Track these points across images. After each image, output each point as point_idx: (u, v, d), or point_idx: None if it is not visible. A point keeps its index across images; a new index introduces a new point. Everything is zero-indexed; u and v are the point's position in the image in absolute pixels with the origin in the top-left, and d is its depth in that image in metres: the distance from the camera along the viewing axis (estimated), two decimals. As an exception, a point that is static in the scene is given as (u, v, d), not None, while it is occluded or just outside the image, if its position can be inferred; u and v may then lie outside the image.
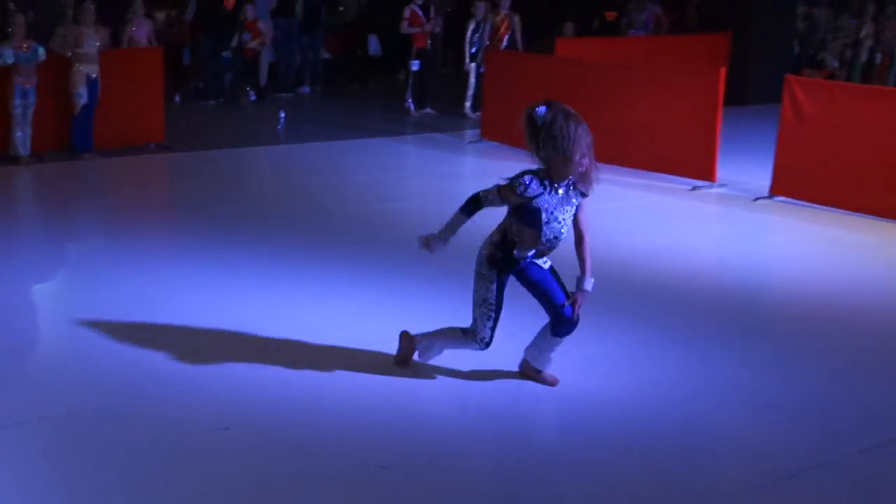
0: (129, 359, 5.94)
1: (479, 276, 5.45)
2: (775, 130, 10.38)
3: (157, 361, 5.89)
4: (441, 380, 5.73)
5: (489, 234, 5.48)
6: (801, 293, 7.70)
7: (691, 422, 5.36)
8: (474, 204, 5.34)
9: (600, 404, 5.47)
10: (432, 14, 15.81)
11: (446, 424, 5.31)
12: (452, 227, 5.42)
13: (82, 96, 11.62)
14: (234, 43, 15.85)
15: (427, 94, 15.69)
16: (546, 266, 5.48)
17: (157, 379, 5.66)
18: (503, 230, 5.39)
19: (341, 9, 19.63)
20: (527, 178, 5.20)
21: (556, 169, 5.20)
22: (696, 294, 7.61)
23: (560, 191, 5.26)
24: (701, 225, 9.80)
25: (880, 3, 18.07)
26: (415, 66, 15.47)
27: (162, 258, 8.13)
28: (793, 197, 10.16)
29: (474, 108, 15.00)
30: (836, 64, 17.49)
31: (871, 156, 9.67)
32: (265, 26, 16.14)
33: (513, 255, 5.36)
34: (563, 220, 5.30)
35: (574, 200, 5.33)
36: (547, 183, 5.21)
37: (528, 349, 5.68)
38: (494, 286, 5.39)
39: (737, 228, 9.66)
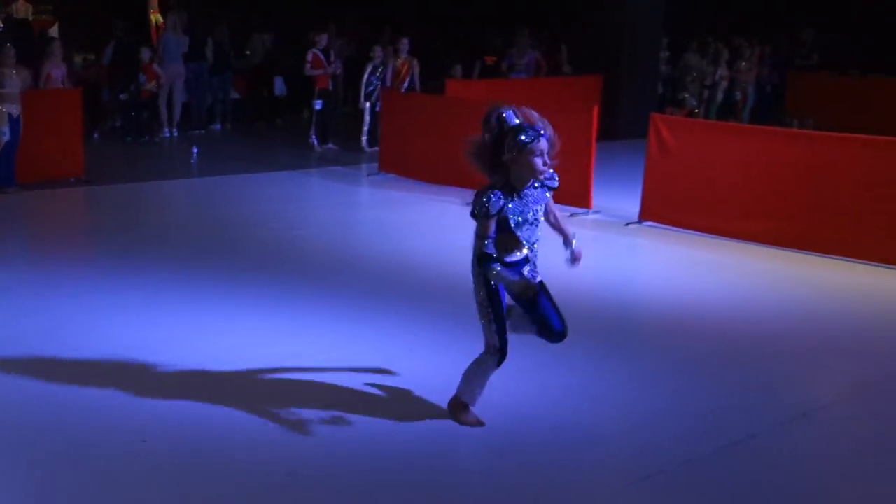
0: (49, 377, 5.80)
1: (477, 287, 5.12)
2: (643, 162, 10.58)
3: (78, 380, 5.77)
4: (341, 391, 5.73)
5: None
6: (667, 307, 7.86)
7: (568, 425, 5.43)
8: (485, 257, 4.95)
9: (484, 411, 5.44)
10: (333, 58, 15.79)
11: (340, 433, 5.26)
12: (504, 278, 5.03)
13: (5, 134, 11.31)
14: (133, 86, 15.57)
15: (329, 131, 15.65)
16: (538, 279, 5.22)
17: (75, 397, 5.55)
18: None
19: (248, 53, 19.49)
20: (486, 196, 4.92)
21: (517, 173, 4.96)
22: (574, 308, 7.68)
23: (525, 193, 5.00)
24: (580, 246, 9.91)
25: (733, 49, 18.60)
26: (318, 105, 15.41)
27: (84, 285, 7.93)
28: (659, 222, 10.38)
29: (370, 143, 15.02)
30: (694, 103, 17.90)
31: (727, 185, 9.92)
32: (160, 69, 15.87)
33: (504, 262, 5.04)
34: (535, 218, 5.07)
35: (546, 195, 5.11)
36: (508, 192, 4.95)
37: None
38: (486, 290, 5.07)
39: (611, 250, 9.80)
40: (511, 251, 5.09)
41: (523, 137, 4.91)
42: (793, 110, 18.64)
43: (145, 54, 15.69)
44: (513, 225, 5.00)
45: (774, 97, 19.65)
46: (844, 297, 8.12)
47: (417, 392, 5.77)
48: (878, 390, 6.18)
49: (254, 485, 4.63)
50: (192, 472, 4.75)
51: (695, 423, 5.52)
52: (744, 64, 18.41)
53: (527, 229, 5.07)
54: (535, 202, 5.08)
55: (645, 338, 7.19)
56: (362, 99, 15.29)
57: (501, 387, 5.85)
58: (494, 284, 5.07)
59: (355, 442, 5.13)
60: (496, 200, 4.92)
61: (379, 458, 4.97)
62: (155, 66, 15.73)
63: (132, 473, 4.71)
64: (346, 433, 5.22)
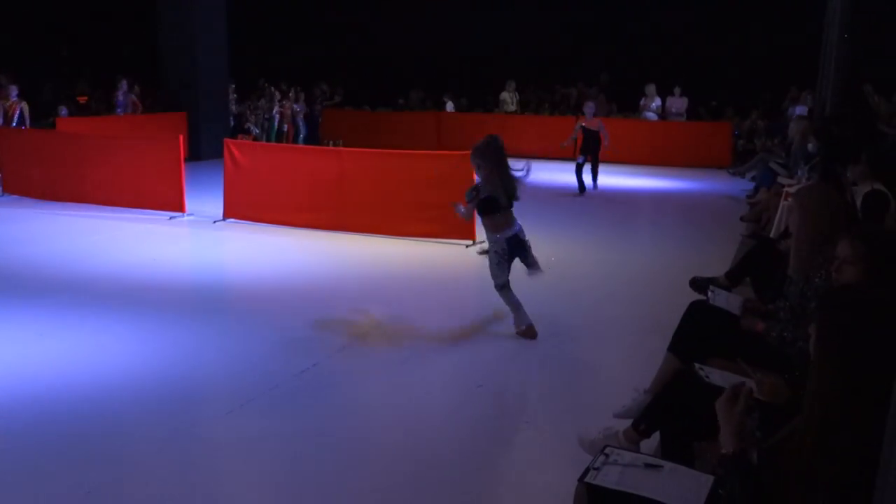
0: None
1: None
2: (222, 175, 10.33)
3: None
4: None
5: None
6: (249, 278, 7.72)
7: (186, 373, 5.19)
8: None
9: (124, 372, 5.07)
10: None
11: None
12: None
13: None
14: None
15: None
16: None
17: None
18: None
19: None
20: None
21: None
22: (177, 286, 7.38)
23: None
24: (179, 242, 9.46)
25: (283, 92, 18.66)
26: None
27: None
28: (239, 218, 10.18)
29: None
30: (257, 131, 17.79)
31: (284, 188, 9.98)
32: None
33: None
34: None
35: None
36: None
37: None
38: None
39: (204, 241, 9.46)
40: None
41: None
42: (328, 135, 19.18)
43: None
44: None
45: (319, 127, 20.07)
46: (372, 259, 8.48)
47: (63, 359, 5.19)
48: (395, 322, 6.51)
49: None
50: None
51: (274, 358, 5.48)
52: (287, 103, 18.58)
53: None
54: None
55: (234, 302, 7.03)
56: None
57: (131, 354, 5.46)
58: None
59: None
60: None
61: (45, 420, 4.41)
62: None
63: None
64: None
